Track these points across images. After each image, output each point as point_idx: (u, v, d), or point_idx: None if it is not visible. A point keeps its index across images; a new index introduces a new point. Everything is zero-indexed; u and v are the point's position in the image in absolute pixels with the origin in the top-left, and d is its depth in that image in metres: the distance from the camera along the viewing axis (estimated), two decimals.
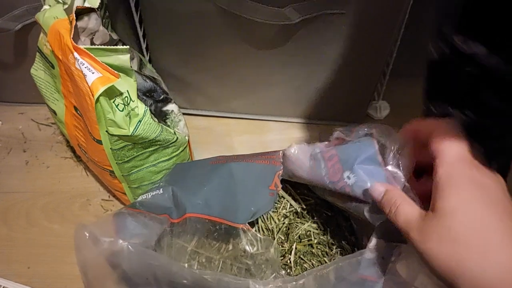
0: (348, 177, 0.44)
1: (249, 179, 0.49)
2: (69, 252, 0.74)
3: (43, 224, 0.77)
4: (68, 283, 0.71)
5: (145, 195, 0.52)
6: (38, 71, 0.63)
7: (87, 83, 0.50)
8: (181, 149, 0.66)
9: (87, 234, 0.42)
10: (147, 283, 0.40)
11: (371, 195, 0.40)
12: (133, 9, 0.67)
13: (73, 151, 0.85)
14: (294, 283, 0.38)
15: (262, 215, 0.53)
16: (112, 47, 0.51)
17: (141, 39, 0.72)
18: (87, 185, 0.81)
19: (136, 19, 0.68)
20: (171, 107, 0.66)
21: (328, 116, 0.87)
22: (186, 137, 0.67)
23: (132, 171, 0.62)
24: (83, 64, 0.50)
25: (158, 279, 0.38)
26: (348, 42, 0.70)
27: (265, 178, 0.49)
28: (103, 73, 0.50)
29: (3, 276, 0.71)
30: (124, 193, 0.68)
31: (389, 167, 0.43)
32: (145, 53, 0.75)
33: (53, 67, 0.60)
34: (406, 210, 0.35)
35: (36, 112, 0.91)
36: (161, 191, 0.51)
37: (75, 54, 0.50)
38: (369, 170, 0.43)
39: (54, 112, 0.65)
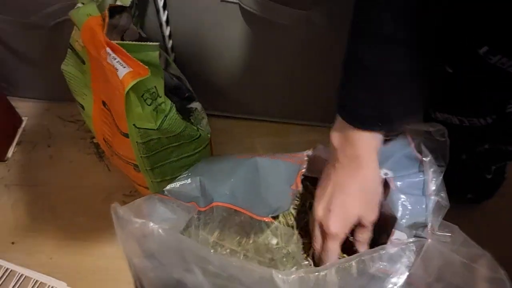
0: (386, 174, 0.45)
1: (273, 175, 0.50)
2: (92, 244, 0.76)
3: (66, 217, 0.79)
4: (88, 275, 0.73)
5: (173, 184, 0.53)
6: (68, 66, 0.65)
7: (118, 77, 0.52)
8: (203, 145, 0.68)
9: (121, 214, 0.44)
10: (173, 264, 0.41)
11: None
12: (161, 9, 0.69)
13: (96, 147, 0.87)
14: (316, 273, 0.39)
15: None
16: (143, 43, 0.53)
17: (167, 39, 0.74)
18: (109, 180, 0.84)
19: (163, 19, 0.70)
20: (195, 105, 0.68)
21: None
22: (208, 135, 0.68)
23: (156, 165, 0.64)
24: (115, 59, 0.52)
25: (186, 261, 0.40)
26: None
27: (288, 177, 0.50)
28: (134, 67, 0.52)
29: (26, 266, 0.73)
30: (147, 187, 0.70)
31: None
32: (170, 52, 0.77)
33: (83, 62, 0.62)
34: None
35: (61, 109, 0.94)
36: (189, 180, 0.52)
37: (108, 49, 0.52)
38: (406, 166, 0.45)
39: (82, 107, 0.67)
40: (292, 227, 0.55)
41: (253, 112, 0.90)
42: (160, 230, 0.40)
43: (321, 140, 0.90)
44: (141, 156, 0.62)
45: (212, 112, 0.90)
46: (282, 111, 0.89)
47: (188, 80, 0.74)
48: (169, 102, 0.59)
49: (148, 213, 0.48)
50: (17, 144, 0.89)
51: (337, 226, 0.48)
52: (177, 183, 0.53)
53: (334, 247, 0.49)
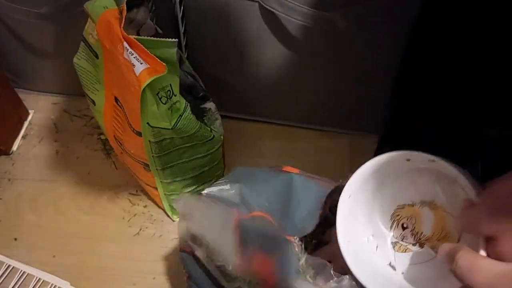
0: None
1: (305, 195, 0.49)
2: (95, 243, 0.74)
3: (71, 214, 0.77)
4: (92, 274, 0.71)
5: (211, 188, 0.52)
6: (81, 60, 0.63)
7: (134, 73, 0.50)
8: (215, 147, 0.66)
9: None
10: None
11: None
12: (177, 5, 0.67)
13: (104, 144, 0.85)
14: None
15: None
16: (161, 39, 0.52)
17: (182, 36, 0.72)
18: (115, 178, 0.82)
19: (179, 15, 0.68)
20: (209, 105, 0.67)
21: (360, 126, 0.86)
22: (221, 136, 0.67)
23: (167, 165, 0.62)
24: (132, 54, 0.50)
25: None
26: (390, 52, 0.69)
27: (319, 200, 0.48)
28: (151, 64, 0.50)
29: (28, 263, 0.72)
30: (155, 188, 0.68)
31: None
32: (183, 49, 0.75)
33: (97, 57, 0.60)
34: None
35: (69, 103, 0.92)
36: (228, 186, 0.51)
37: (125, 44, 0.51)
38: None
39: (93, 102, 0.65)
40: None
41: (264, 114, 0.88)
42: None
43: (331, 146, 0.90)
44: (152, 156, 0.60)
45: (223, 112, 0.88)
46: (295, 115, 0.87)
47: (201, 78, 0.73)
48: (183, 101, 0.58)
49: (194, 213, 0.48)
50: (23, 137, 0.87)
51: None
52: (214, 187, 0.52)
53: None
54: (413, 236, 0.45)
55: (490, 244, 0.34)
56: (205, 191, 0.51)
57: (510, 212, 0.32)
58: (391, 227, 0.46)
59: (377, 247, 0.46)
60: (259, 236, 0.45)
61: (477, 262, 0.32)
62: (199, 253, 0.51)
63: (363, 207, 0.47)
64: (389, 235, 0.46)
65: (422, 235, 0.45)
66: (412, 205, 0.45)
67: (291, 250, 0.42)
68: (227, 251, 0.46)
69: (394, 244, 0.46)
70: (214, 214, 0.48)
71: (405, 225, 0.46)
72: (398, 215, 0.46)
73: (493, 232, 0.34)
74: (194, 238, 0.50)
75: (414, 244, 0.45)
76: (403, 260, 0.45)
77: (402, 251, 0.45)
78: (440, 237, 0.43)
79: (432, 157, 0.41)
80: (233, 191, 0.51)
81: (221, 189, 0.52)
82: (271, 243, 0.44)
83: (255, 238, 0.45)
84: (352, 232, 0.46)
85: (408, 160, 0.43)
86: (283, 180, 0.51)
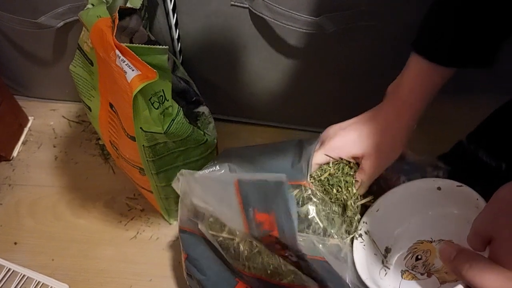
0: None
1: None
2: (93, 247, 0.76)
3: (68, 219, 0.79)
4: (90, 277, 0.73)
5: (202, 171, 0.54)
6: (76, 67, 0.64)
7: (126, 80, 0.51)
8: (209, 150, 0.67)
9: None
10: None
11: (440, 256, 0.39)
12: (170, 12, 0.68)
13: (102, 149, 0.87)
14: None
15: None
16: (152, 46, 0.53)
17: (176, 42, 0.74)
18: (113, 183, 0.83)
19: (172, 22, 0.70)
20: (202, 109, 0.68)
21: None
22: (215, 140, 0.68)
23: (162, 169, 0.64)
24: (124, 61, 0.52)
25: None
26: (379, 54, 0.70)
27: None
28: (142, 71, 0.52)
29: (28, 267, 0.73)
30: (151, 191, 0.70)
31: None
32: (178, 55, 0.77)
33: (92, 64, 0.61)
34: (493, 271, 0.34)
35: (68, 109, 0.94)
36: (217, 167, 0.54)
37: (117, 51, 0.52)
38: None
39: (89, 108, 0.66)
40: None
41: (258, 116, 0.89)
42: None
43: None
44: (147, 160, 0.61)
45: (218, 115, 0.90)
46: (288, 117, 0.88)
47: (195, 83, 0.74)
48: (176, 106, 0.59)
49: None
50: (23, 143, 0.89)
51: None
52: (206, 170, 0.54)
53: None
54: (424, 266, 0.48)
55: (489, 247, 0.35)
56: (196, 175, 0.53)
57: (508, 212, 0.33)
58: (405, 258, 0.50)
59: (386, 273, 0.50)
60: (259, 191, 0.47)
61: (491, 267, 0.33)
62: (202, 227, 0.53)
63: (387, 231, 0.52)
64: (402, 265, 0.50)
65: (433, 266, 0.48)
66: (431, 241, 0.49)
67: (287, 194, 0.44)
68: (233, 213, 0.48)
69: (403, 272, 0.49)
70: (215, 182, 0.51)
71: (419, 257, 0.49)
72: (415, 248, 0.50)
73: (491, 232, 0.35)
74: (196, 213, 0.54)
75: (422, 274, 0.48)
76: (408, 287, 0.48)
77: (409, 279, 0.48)
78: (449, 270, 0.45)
79: (459, 183, 0.47)
80: (223, 170, 0.54)
81: (211, 171, 0.54)
82: (270, 195, 0.46)
83: (255, 194, 0.47)
84: (368, 260, 0.50)
85: (439, 189, 0.49)
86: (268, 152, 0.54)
